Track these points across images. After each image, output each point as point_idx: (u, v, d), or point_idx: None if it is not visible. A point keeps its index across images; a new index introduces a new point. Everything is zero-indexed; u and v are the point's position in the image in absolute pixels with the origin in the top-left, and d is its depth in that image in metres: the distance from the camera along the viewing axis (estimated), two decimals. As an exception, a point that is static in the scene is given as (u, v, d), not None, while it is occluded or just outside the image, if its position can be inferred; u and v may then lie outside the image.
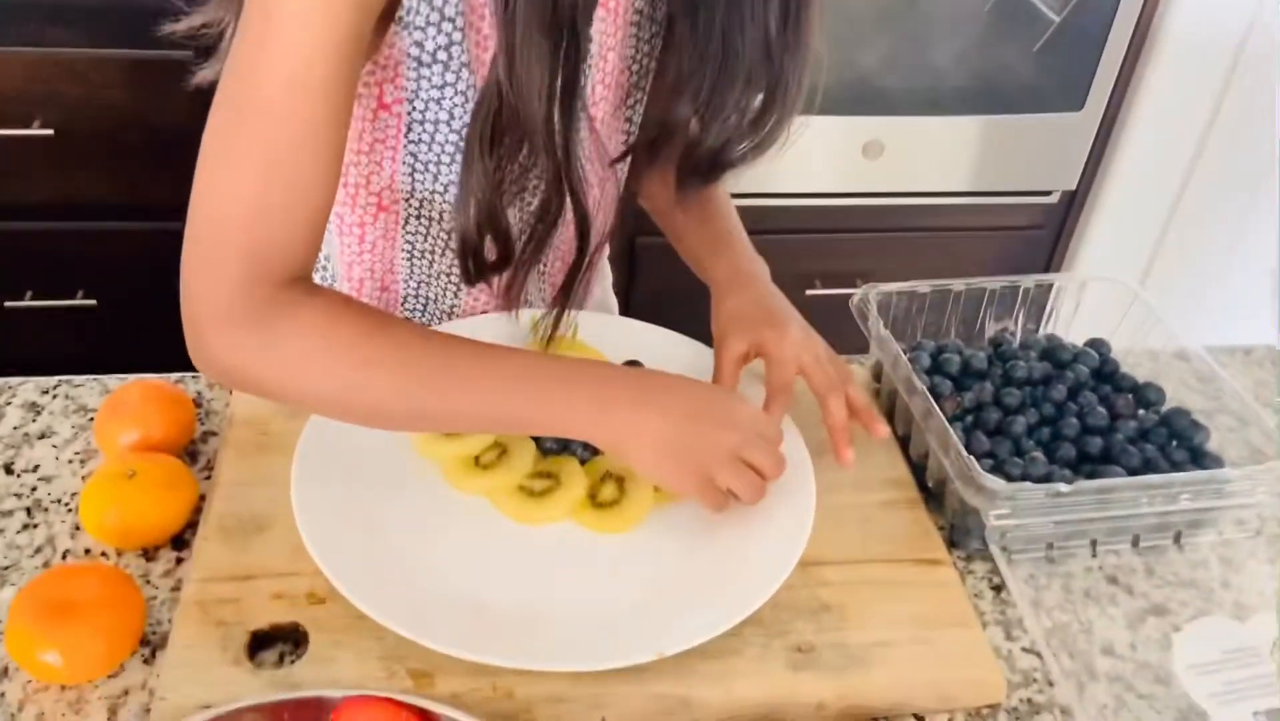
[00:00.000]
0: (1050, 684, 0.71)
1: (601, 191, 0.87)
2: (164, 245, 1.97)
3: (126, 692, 0.66)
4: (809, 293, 1.85)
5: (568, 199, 0.73)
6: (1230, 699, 0.66)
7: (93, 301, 1.82)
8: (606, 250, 1.05)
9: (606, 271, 1.14)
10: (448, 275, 0.90)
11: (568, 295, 0.81)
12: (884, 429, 0.83)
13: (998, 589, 0.78)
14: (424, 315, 0.93)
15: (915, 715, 0.69)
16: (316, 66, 0.61)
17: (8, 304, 1.80)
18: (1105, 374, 0.89)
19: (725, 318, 0.85)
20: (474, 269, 0.77)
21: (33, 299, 1.80)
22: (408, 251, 0.88)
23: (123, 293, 1.83)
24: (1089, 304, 0.95)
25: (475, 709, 0.64)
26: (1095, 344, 0.92)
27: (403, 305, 0.92)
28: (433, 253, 0.88)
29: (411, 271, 0.89)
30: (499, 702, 0.66)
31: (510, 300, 0.81)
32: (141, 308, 1.86)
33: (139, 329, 1.97)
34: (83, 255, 1.80)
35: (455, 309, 0.94)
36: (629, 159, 0.88)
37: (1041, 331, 0.95)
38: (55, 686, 0.65)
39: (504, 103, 0.67)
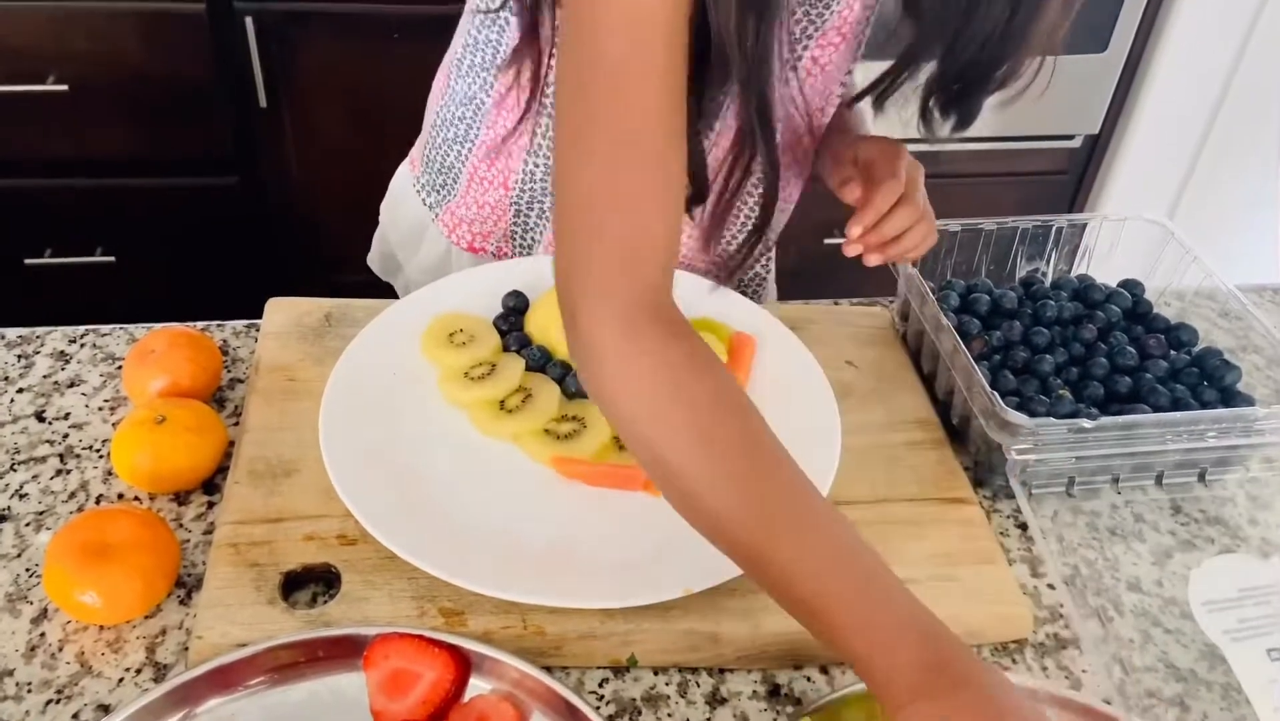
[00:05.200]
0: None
1: (794, 156, 0.85)
2: (181, 200, 1.98)
3: (164, 632, 0.67)
4: (827, 241, 1.84)
5: (760, 142, 0.68)
6: (1244, 635, 0.66)
7: (112, 258, 1.83)
8: (785, 217, 1.00)
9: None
10: None
11: (749, 249, 0.78)
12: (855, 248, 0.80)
13: (1024, 526, 0.78)
14: None
15: (942, 650, 0.69)
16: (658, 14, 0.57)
17: (29, 261, 1.80)
18: (1138, 314, 0.89)
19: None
20: None
21: (52, 256, 1.80)
22: None
23: (142, 249, 1.83)
24: (1123, 244, 0.94)
25: (506, 646, 0.64)
26: (1129, 284, 0.91)
27: None
28: None
29: None
30: (530, 640, 0.67)
31: (710, 235, 0.78)
32: (161, 263, 1.87)
33: (158, 284, 1.98)
34: (101, 212, 1.80)
35: None
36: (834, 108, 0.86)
37: (1074, 272, 0.94)
38: (94, 627, 0.66)
39: (707, 19, 0.61)
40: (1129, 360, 0.82)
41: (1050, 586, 0.74)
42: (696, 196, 0.74)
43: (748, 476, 0.59)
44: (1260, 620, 0.67)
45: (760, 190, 0.73)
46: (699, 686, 0.67)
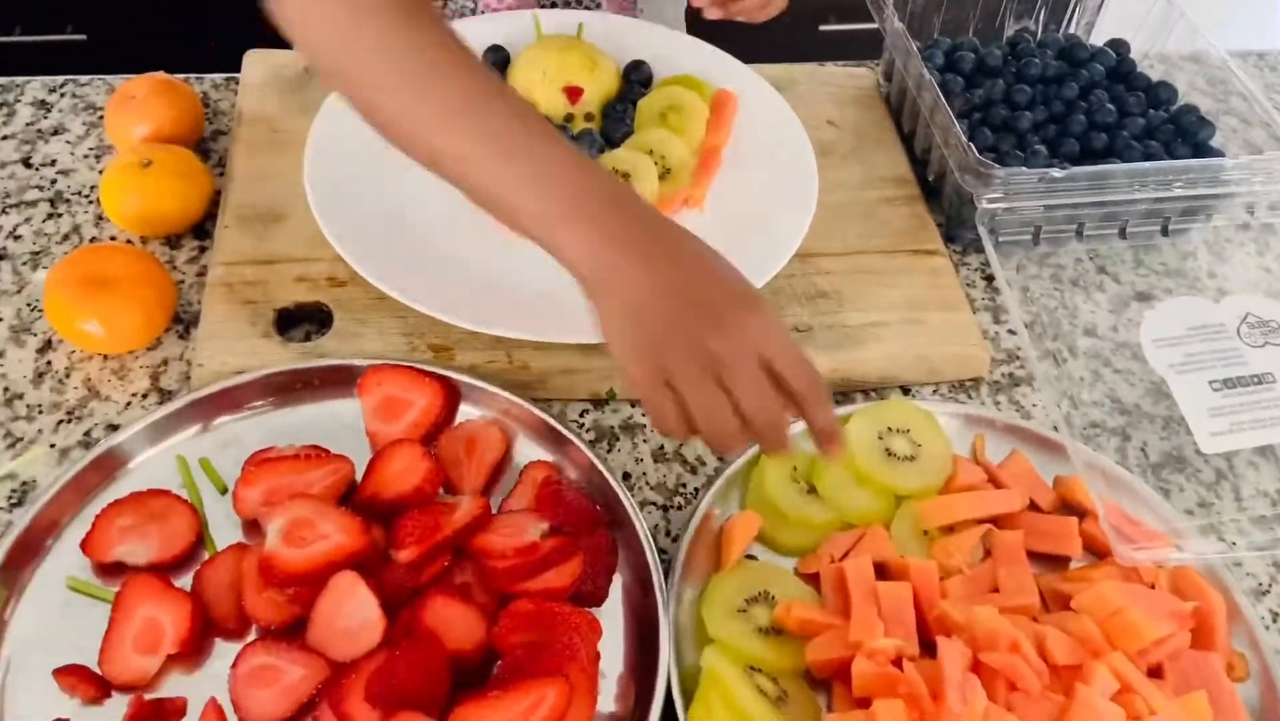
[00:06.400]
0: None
1: None
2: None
3: (165, 362, 0.70)
4: (822, 28, 1.79)
5: None
6: (1188, 369, 0.70)
7: (83, 36, 1.77)
8: None
9: None
10: None
11: None
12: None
13: (990, 279, 0.81)
14: None
15: (902, 387, 0.74)
16: None
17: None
18: (1121, 73, 0.88)
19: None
20: None
21: (22, 34, 1.75)
22: None
23: (112, 26, 1.77)
24: (1113, 4, 0.93)
25: (493, 379, 0.68)
26: (1115, 44, 0.90)
27: None
28: None
29: None
30: (515, 374, 0.71)
31: None
32: (131, 42, 1.81)
33: (129, 64, 1.93)
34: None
35: None
36: None
37: (1062, 31, 0.93)
38: (98, 356, 0.70)
39: None
40: (1107, 117, 0.83)
41: (1010, 332, 0.78)
42: None
43: (424, 52, 0.57)
44: (1205, 355, 0.70)
45: None
46: (674, 416, 0.71)
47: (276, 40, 0.61)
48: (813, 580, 0.62)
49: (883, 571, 0.61)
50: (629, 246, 0.55)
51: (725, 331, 0.53)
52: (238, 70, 0.87)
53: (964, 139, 0.75)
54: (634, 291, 0.54)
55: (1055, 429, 0.69)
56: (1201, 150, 0.82)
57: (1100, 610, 0.57)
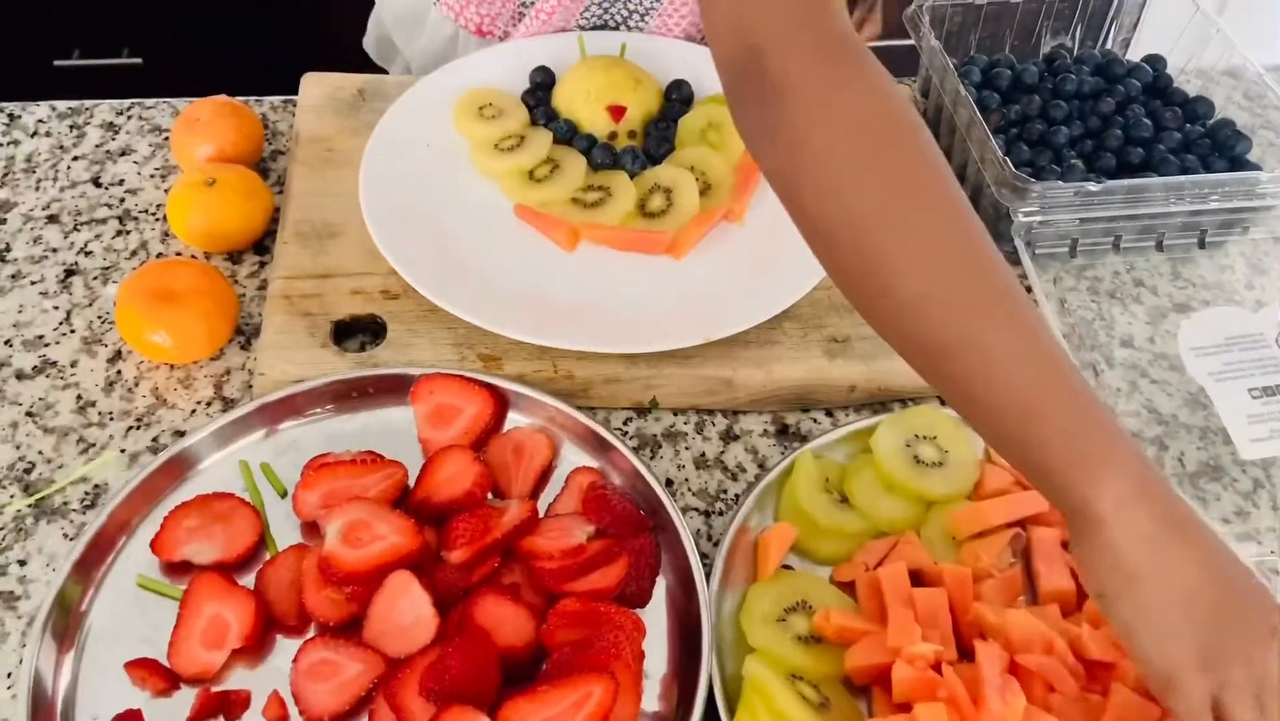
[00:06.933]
0: (1069, 371, 0.76)
1: None
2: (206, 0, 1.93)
3: (228, 372, 0.73)
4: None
5: None
6: (1228, 376, 0.70)
7: (139, 60, 1.83)
8: None
9: None
10: None
11: None
12: None
13: (1027, 290, 0.82)
14: None
15: (939, 398, 0.75)
16: None
17: (58, 63, 1.82)
18: (1157, 89, 0.89)
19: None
20: None
21: (80, 58, 1.81)
22: None
23: (168, 50, 1.83)
24: (1150, 20, 0.94)
25: (539, 387, 0.70)
26: (1151, 60, 0.91)
27: None
28: None
29: None
30: (560, 383, 0.73)
31: None
32: (187, 65, 1.87)
33: (184, 87, 1.99)
34: (127, 10, 1.79)
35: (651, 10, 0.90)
36: None
37: (1099, 48, 0.94)
38: (165, 366, 0.73)
39: None
40: (1144, 132, 0.84)
41: (1047, 343, 0.79)
42: None
43: (955, 238, 0.50)
44: (1244, 363, 0.71)
45: None
46: (714, 425, 0.74)
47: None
48: (849, 588, 0.63)
49: (917, 577, 0.62)
50: (1161, 520, 0.47)
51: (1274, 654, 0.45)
52: (285, 92, 0.91)
53: (1000, 154, 0.76)
54: (1188, 585, 0.46)
55: (1092, 438, 0.70)
56: (1238, 164, 0.83)
57: None
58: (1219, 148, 0.84)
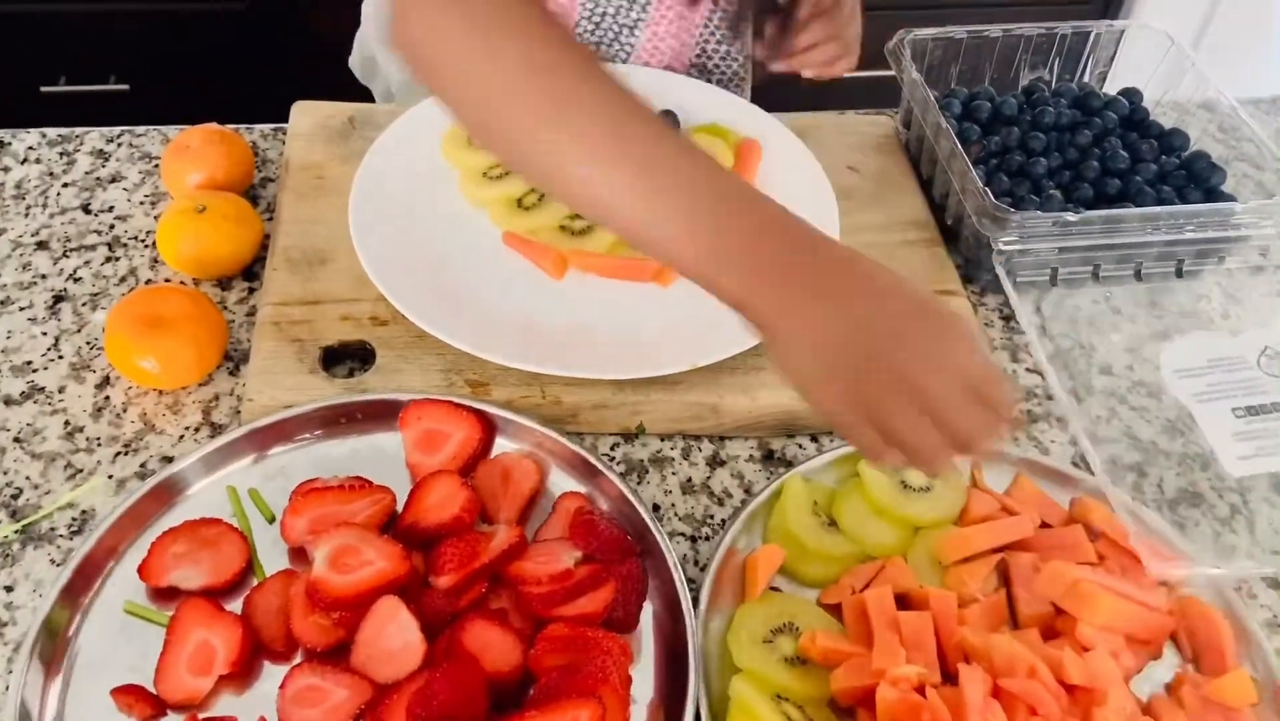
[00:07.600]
0: (1049, 397, 0.78)
1: None
2: (194, 28, 1.95)
3: (217, 398, 0.74)
4: (843, 76, 1.82)
5: None
6: (1211, 397, 0.72)
7: (125, 86, 1.84)
8: None
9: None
10: None
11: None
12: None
13: (1007, 319, 0.83)
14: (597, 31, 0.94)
15: (924, 423, 0.76)
16: None
17: (44, 89, 1.82)
18: (1134, 121, 0.91)
19: None
20: None
21: (67, 84, 1.82)
22: None
23: (155, 77, 1.84)
24: (1126, 54, 0.96)
25: (527, 413, 0.71)
26: (1128, 93, 0.93)
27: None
28: None
29: None
30: (548, 408, 0.73)
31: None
32: (173, 92, 1.88)
33: (170, 114, 2.00)
34: (114, 37, 1.80)
35: (639, 22, 0.93)
36: None
37: (1076, 81, 0.96)
38: (153, 392, 0.73)
39: None
40: (1121, 163, 0.85)
41: (1028, 370, 0.80)
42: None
43: (580, 85, 0.54)
44: (1227, 384, 0.73)
45: None
46: (700, 451, 0.74)
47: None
48: (835, 611, 0.64)
49: (903, 601, 0.63)
50: (807, 283, 0.52)
51: (939, 361, 0.51)
52: (265, 119, 0.92)
53: (980, 184, 0.77)
54: (822, 332, 0.51)
55: (1075, 464, 0.71)
56: (1213, 195, 0.85)
57: (1059, 583, 0.59)
58: (1194, 179, 0.86)
